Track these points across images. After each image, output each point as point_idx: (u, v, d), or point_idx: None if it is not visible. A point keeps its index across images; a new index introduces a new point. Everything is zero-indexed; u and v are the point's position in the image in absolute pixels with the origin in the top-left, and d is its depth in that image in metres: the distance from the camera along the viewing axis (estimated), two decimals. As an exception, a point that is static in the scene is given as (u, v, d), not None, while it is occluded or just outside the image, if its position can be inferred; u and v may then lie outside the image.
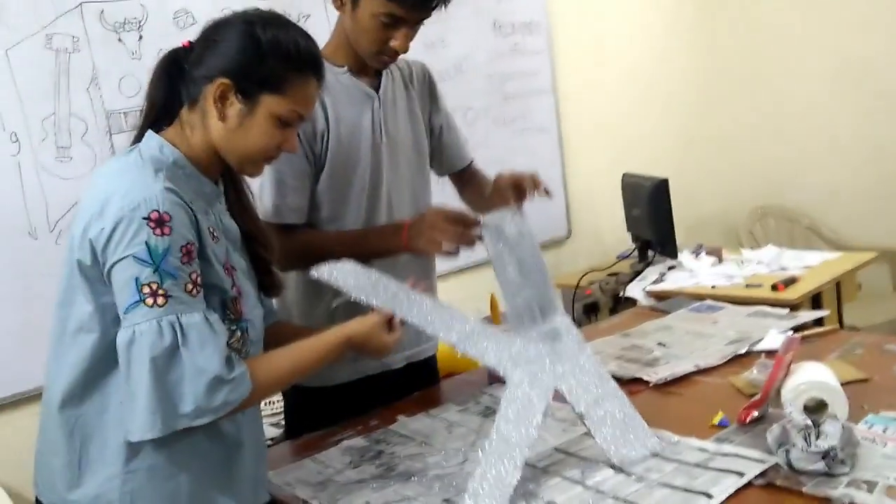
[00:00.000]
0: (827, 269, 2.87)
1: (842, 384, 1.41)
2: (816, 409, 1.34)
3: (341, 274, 1.42)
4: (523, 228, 1.48)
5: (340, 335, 1.31)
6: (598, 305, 3.28)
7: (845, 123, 3.98)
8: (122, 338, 1.12)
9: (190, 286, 1.14)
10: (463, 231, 1.53)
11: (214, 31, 1.25)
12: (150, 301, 1.11)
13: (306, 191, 1.66)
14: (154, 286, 1.11)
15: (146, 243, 1.10)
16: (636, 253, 3.21)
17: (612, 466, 1.34)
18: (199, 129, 1.23)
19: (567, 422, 1.53)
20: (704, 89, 4.38)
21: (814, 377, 1.39)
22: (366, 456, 1.53)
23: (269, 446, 1.93)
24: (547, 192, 1.61)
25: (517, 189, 1.58)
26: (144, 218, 1.11)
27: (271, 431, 2.24)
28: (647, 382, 1.70)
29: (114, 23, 2.46)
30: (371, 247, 1.62)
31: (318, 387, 1.73)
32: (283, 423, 1.91)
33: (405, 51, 1.63)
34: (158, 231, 1.11)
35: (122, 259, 1.11)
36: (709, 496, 1.20)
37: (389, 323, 1.36)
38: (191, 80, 1.23)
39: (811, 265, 2.91)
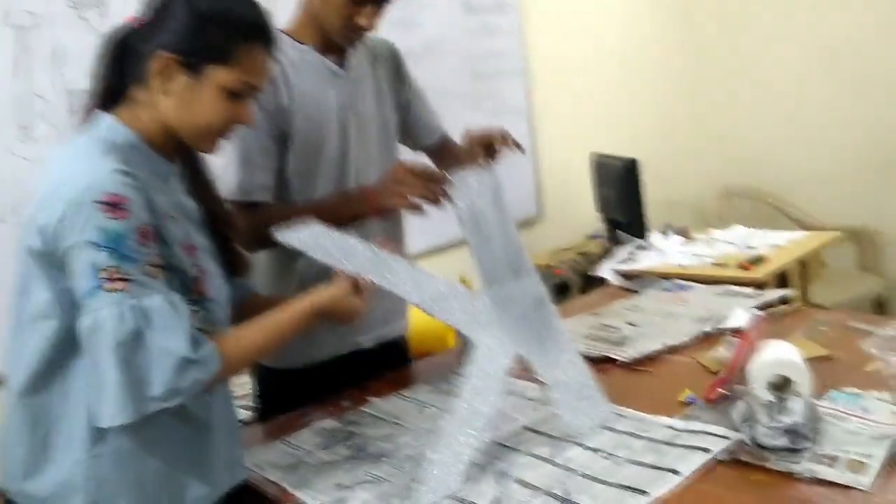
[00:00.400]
0: (793, 249, 2.91)
1: (806, 361, 1.44)
2: (781, 385, 1.36)
3: (306, 236, 1.39)
4: (492, 186, 1.48)
5: (307, 304, 1.30)
6: (568, 285, 3.31)
7: (815, 106, 4.02)
8: (84, 325, 1.10)
9: (150, 268, 1.12)
10: (430, 185, 1.51)
11: (156, 5, 1.22)
12: (109, 286, 1.08)
13: (273, 169, 1.64)
14: (112, 271, 1.08)
15: (101, 227, 1.08)
16: (606, 233, 3.23)
17: (581, 444, 1.36)
18: (149, 107, 1.20)
19: (537, 401, 1.54)
20: (675, 71, 4.40)
21: (779, 355, 1.41)
22: (337, 437, 1.53)
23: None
24: (518, 147, 1.58)
25: (487, 147, 1.57)
26: (97, 202, 1.08)
27: (242, 414, 2.23)
28: (616, 361, 1.72)
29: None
30: (338, 214, 1.59)
31: (288, 368, 1.73)
32: (253, 405, 1.90)
33: (372, 28, 1.62)
34: (112, 214, 1.08)
35: (78, 245, 1.09)
36: (676, 472, 1.22)
37: (358, 286, 1.34)
38: (137, 56, 1.20)
39: (778, 244, 2.95)
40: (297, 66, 1.65)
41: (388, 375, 1.82)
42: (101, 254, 1.08)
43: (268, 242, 1.61)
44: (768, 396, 1.28)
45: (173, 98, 1.19)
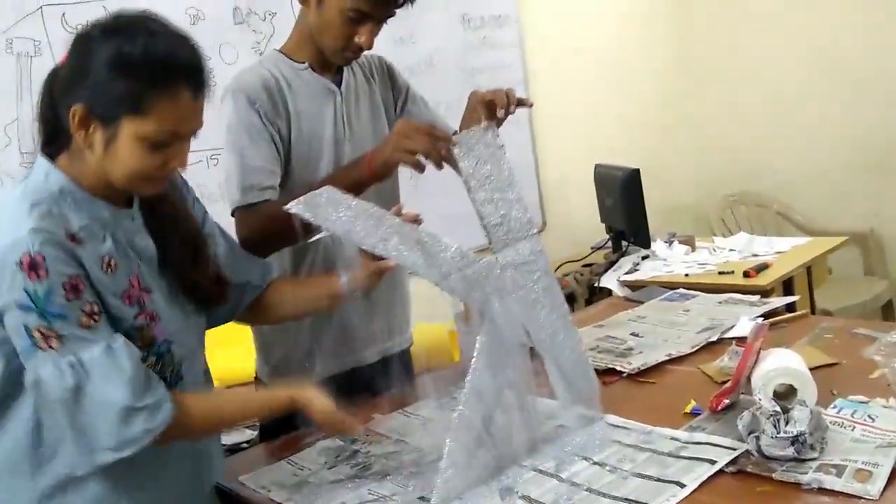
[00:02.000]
0: (798, 255, 2.90)
1: (811, 369, 1.43)
2: (785, 395, 1.35)
3: (320, 205, 1.35)
4: (494, 145, 1.46)
5: (287, 398, 1.31)
6: (574, 296, 3.30)
7: (816, 110, 4.01)
8: (28, 382, 1.10)
9: (84, 319, 1.10)
10: (433, 141, 1.47)
11: (74, 51, 1.15)
12: (43, 345, 1.08)
13: (276, 174, 1.63)
14: (43, 330, 1.08)
15: (25, 289, 1.07)
16: (610, 243, 3.23)
17: (587, 458, 1.35)
18: (82, 152, 1.16)
19: (542, 414, 1.53)
20: (675, 79, 4.41)
21: (783, 363, 1.40)
22: (341, 456, 1.52)
23: (244, 449, 1.93)
24: (522, 103, 1.55)
25: (489, 107, 1.54)
26: (17, 263, 1.07)
27: (247, 434, 2.23)
28: (620, 373, 1.71)
29: (76, 26, 2.38)
30: (337, 183, 1.49)
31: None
32: (257, 424, 1.89)
33: (370, 47, 1.62)
34: (34, 275, 1.07)
35: (8, 305, 1.08)
36: (681, 485, 1.21)
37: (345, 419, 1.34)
38: (61, 104, 1.15)
39: (782, 251, 2.95)
40: (292, 84, 1.66)
41: (391, 391, 1.81)
42: (31, 315, 1.08)
43: (277, 241, 1.60)
44: (773, 406, 1.27)
45: (96, 149, 1.14)
